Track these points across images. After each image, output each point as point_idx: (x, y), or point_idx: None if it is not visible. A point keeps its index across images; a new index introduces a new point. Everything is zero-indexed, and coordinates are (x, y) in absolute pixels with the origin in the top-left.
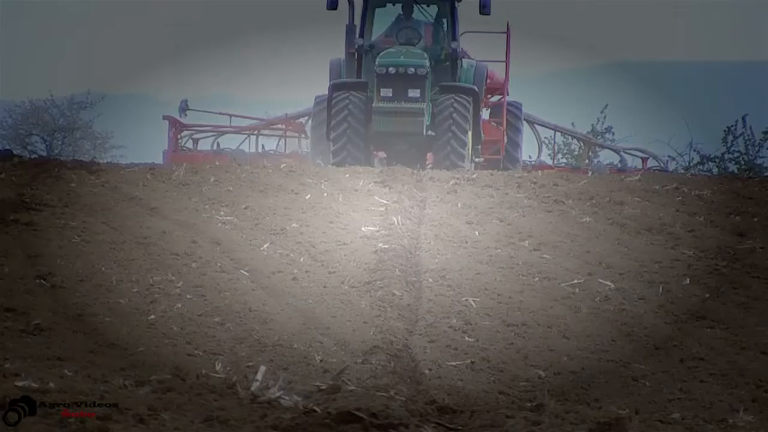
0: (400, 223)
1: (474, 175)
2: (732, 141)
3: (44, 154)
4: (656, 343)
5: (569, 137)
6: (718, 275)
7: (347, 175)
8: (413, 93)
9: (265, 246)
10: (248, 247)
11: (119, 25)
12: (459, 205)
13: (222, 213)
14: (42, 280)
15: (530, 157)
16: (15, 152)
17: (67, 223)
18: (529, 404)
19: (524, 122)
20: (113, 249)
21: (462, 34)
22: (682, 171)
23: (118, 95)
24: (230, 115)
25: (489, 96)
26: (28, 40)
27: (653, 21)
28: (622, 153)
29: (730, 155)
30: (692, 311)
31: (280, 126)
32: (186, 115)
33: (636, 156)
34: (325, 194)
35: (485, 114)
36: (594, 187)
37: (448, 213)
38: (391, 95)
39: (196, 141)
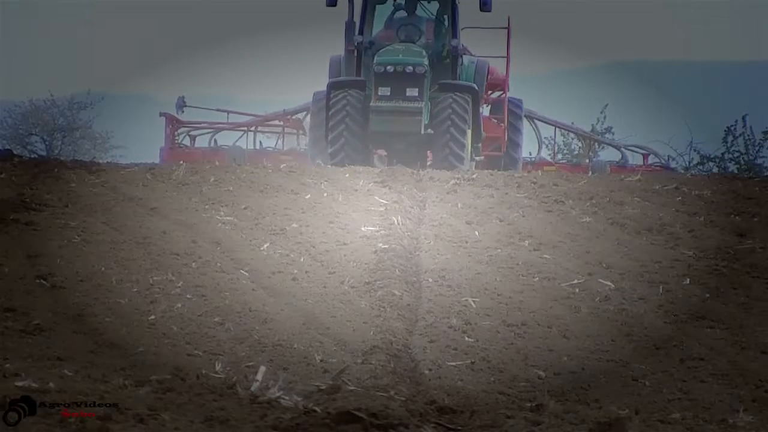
0: (400, 223)
1: (474, 175)
2: (732, 141)
3: (44, 154)
4: (656, 343)
5: (570, 137)
6: (718, 275)
7: (347, 175)
8: (411, 92)
9: (265, 246)
10: (248, 247)
11: (119, 25)
12: (459, 205)
13: (222, 213)
14: (42, 280)
15: (530, 153)
16: (15, 152)
17: (67, 223)
18: (529, 404)
19: (525, 118)
20: (113, 249)
21: (462, 29)
22: (682, 171)
23: (118, 95)
24: (227, 112)
25: (490, 92)
26: (28, 40)
27: (654, 21)
28: (623, 149)
29: (730, 155)
30: (692, 311)
31: (277, 122)
32: (183, 111)
33: (637, 152)
34: (325, 194)
35: (486, 110)
36: (594, 187)
37: (448, 213)
38: (389, 94)
39: (193, 138)
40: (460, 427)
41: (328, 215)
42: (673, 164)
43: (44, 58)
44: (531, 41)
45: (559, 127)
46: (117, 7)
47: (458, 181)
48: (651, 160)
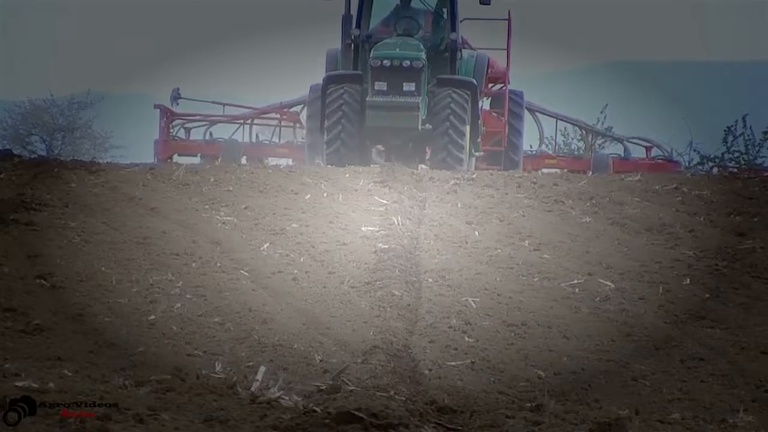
0: (400, 223)
1: (474, 175)
2: (732, 141)
3: (44, 154)
4: (656, 343)
5: (570, 136)
6: (718, 275)
7: (347, 175)
8: (408, 87)
9: (265, 246)
10: (248, 247)
11: (119, 25)
12: (459, 205)
13: (222, 213)
14: (42, 280)
15: (531, 146)
16: (15, 152)
17: (67, 223)
18: (529, 404)
19: (526, 111)
20: (113, 249)
21: (462, 21)
22: (684, 169)
23: (118, 95)
24: (223, 104)
25: (490, 85)
26: (28, 40)
27: (654, 21)
28: (625, 142)
29: (730, 155)
30: (692, 311)
31: (274, 115)
32: (178, 104)
33: (639, 144)
34: (325, 194)
35: (486, 104)
36: (594, 187)
37: (448, 213)
38: (385, 89)
39: (188, 130)
40: (460, 427)
41: (328, 215)
42: (677, 157)
43: (44, 58)
44: (531, 41)
45: (560, 119)
46: (118, 8)
47: (458, 181)
48: (654, 153)
